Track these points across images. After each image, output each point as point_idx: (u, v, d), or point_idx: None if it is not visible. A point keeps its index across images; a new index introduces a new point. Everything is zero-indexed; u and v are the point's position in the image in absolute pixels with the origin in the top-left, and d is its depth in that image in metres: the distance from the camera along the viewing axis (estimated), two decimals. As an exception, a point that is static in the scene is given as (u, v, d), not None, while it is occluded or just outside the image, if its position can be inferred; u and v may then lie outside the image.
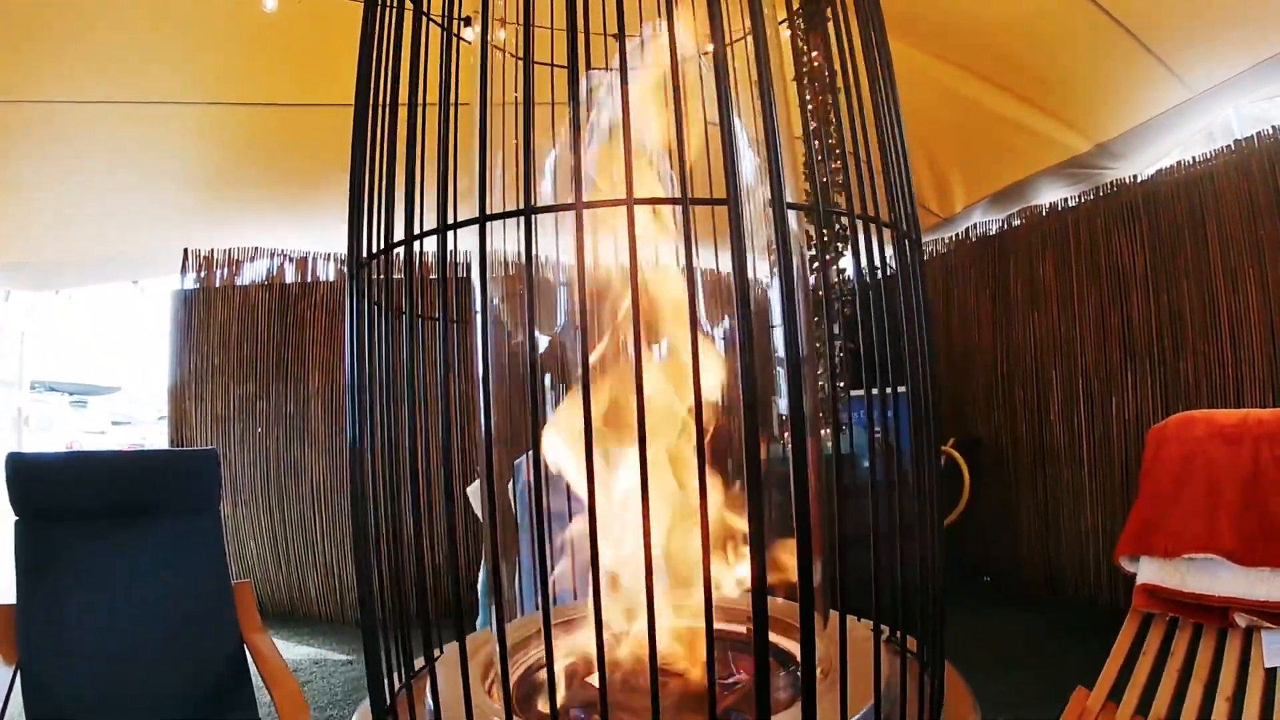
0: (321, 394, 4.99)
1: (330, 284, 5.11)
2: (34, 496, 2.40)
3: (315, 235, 5.17)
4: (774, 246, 0.66)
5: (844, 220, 0.85)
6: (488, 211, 0.70)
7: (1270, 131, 3.61)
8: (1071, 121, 4.23)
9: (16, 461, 2.42)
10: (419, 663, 1.01)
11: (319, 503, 4.96)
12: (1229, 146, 3.80)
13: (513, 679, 1.01)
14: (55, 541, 2.37)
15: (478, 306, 1.00)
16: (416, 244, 0.79)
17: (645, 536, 0.64)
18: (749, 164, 1.04)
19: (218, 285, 5.14)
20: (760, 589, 0.64)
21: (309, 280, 5.17)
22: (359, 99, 0.88)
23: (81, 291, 6.46)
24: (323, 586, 4.97)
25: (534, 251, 0.68)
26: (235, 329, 5.07)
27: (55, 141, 3.94)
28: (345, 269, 0.90)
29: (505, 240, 0.99)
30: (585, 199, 0.67)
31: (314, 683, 3.72)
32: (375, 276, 0.87)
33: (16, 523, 2.36)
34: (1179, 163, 4.04)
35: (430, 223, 0.78)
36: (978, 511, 5.01)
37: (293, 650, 4.26)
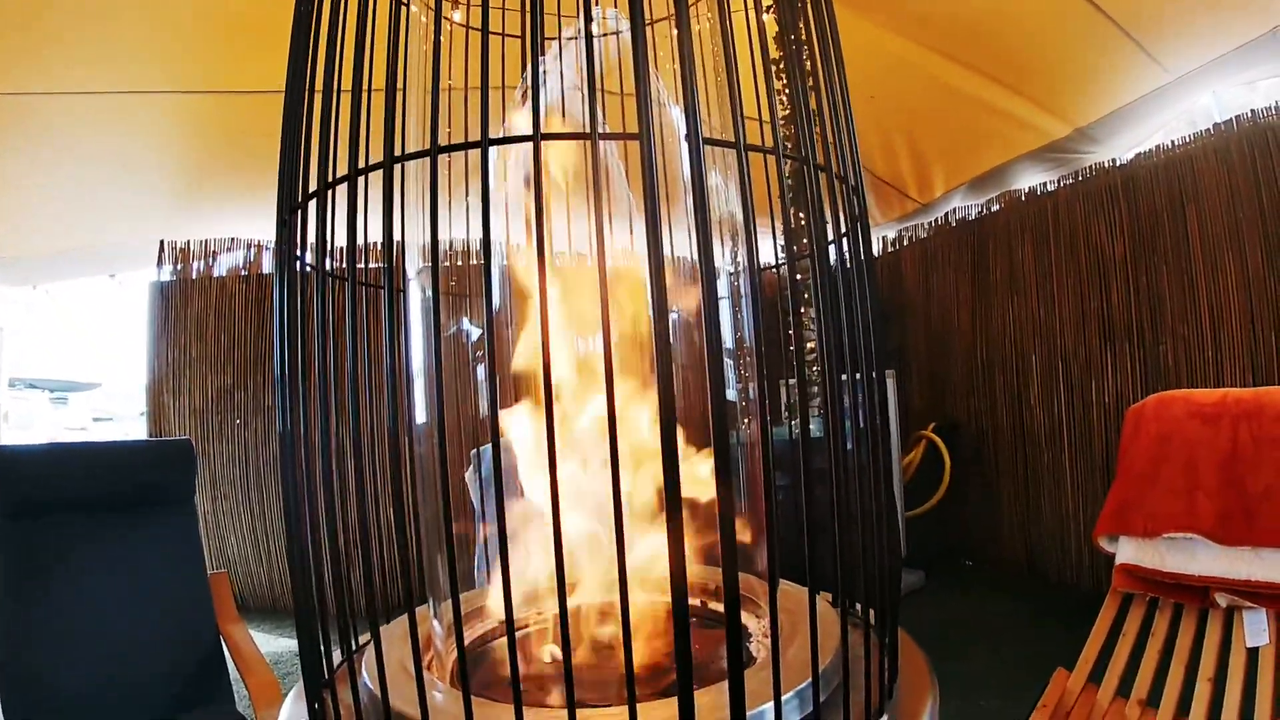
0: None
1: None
2: (6, 489, 2.36)
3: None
4: (691, 187, 0.64)
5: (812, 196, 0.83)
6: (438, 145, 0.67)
7: (1250, 115, 3.62)
8: (1050, 106, 4.22)
9: (-9, 454, 2.39)
10: (360, 640, 1.00)
11: (299, 495, 4.92)
12: (1208, 131, 3.80)
13: (450, 657, 1.00)
14: (31, 533, 2.34)
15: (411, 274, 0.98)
16: (357, 187, 0.76)
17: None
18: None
19: (194, 277, 5.09)
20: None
21: (287, 270, 5.11)
22: (296, 31, 0.85)
23: (60, 286, 6.39)
24: (304, 579, 4.93)
25: (487, 177, 0.65)
26: (212, 320, 5.02)
27: (28, 134, 3.88)
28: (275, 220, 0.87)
29: (450, 229, 0.95)
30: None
31: (294, 675, 3.69)
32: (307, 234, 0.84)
33: (-8, 515, 2.34)
34: (1158, 147, 4.05)
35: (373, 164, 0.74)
36: (958, 495, 5.03)
37: (273, 643, 4.23)
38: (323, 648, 0.84)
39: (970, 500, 5.10)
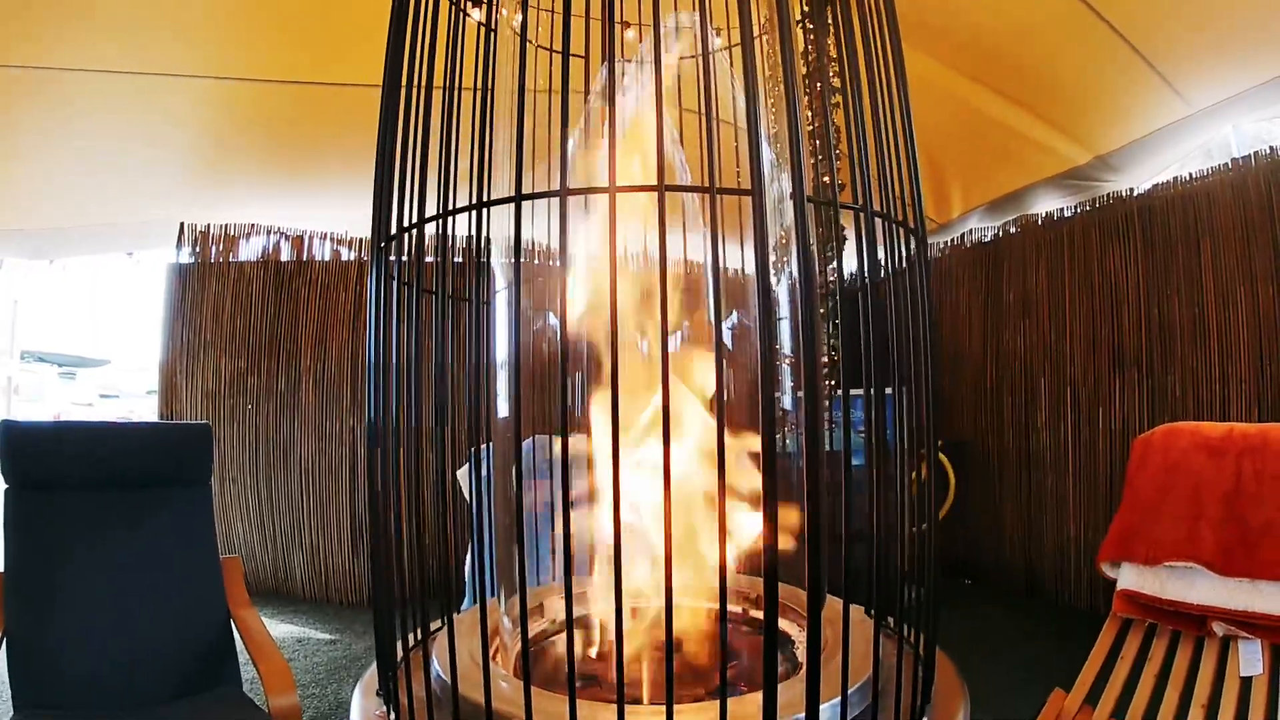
0: (313, 372, 4.98)
1: (325, 264, 5.11)
2: (26, 464, 2.39)
3: (313, 214, 5.16)
4: (789, 240, 0.68)
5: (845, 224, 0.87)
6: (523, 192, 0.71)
7: (1268, 151, 3.64)
8: (1071, 132, 4.25)
9: (10, 429, 2.40)
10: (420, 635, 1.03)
11: (307, 483, 4.96)
12: (1226, 165, 3.83)
13: (514, 650, 1.03)
14: (46, 510, 2.36)
15: (498, 288, 1.02)
16: (448, 222, 0.81)
17: (666, 504, 0.65)
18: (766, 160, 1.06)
19: (213, 260, 5.12)
20: (771, 569, 0.66)
21: (305, 259, 5.16)
22: (388, 75, 0.89)
23: (76, 262, 6.42)
24: (308, 566, 4.97)
25: (568, 230, 0.69)
26: (229, 305, 5.06)
27: (57, 108, 3.91)
28: (370, 244, 0.91)
29: (534, 228, 1.00)
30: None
31: (296, 661, 3.73)
32: (400, 256, 0.89)
33: (7, 490, 2.36)
34: (1176, 178, 4.07)
35: (460, 206, 0.79)
36: (962, 514, 5.05)
37: (276, 629, 4.26)
38: (397, 635, 0.88)
39: (973, 519, 5.12)
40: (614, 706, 0.69)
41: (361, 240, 5.26)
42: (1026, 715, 2.01)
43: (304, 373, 4.99)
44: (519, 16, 1.08)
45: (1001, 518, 4.98)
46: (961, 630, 4.16)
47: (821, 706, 0.74)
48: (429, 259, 0.86)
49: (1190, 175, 3.99)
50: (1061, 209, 4.73)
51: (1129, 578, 2.04)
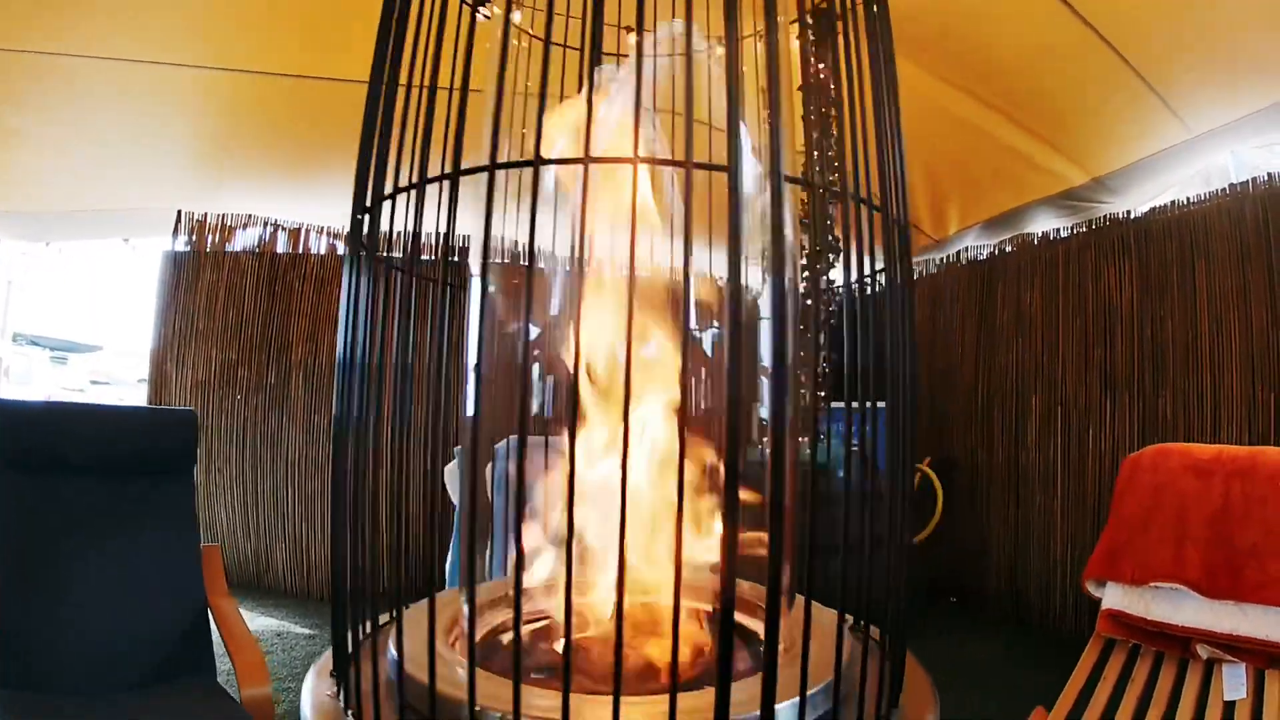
0: (304, 366, 4.97)
1: (321, 257, 5.10)
2: (11, 443, 2.37)
3: (310, 207, 5.15)
4: (768, 222, 0.67)
5: (836, 234, 0.87)
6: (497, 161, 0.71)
7: (1266, 178, 3.65)
8: (1070, 153, 4.26)
9: (-3, 406, 2.40)
10: (383, 619, 1.03)
11: (292, 476, 4.94)
12: (1223, 190, 3.84)
13: (476, 637, 1.03)
14: (28, 490, 2.34)
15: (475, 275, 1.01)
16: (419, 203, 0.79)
17: (621, 490, 0.65)
18: (750, 168, 1.05)
19: (208, 249, 5.11)
20: (730, 562, 0.65)
21: (300, 251, 5.16)
22: (378, 47, 0.89)
23: (72, 246, 6.41)
24: (290, 559, 4.95)
25: (536, 199, 0.68)
26: (222, 294, 5.04)
27: (61, 93, 3.90)
28: (349, 218, 0.90)
29: (504, 225, 0.99)
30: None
31: (275, 654, 3.71)
32: (377, 231, 0.87)
33: (-11, 469, 2.35)
34: (1173, 202, 4.08)
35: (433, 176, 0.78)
36: (949, 531, 5.04)
37: (256, 621, 4.24)
38: (350, 623, 0.87)
39: (960, 537, 5.11)
40: (560, 693, 0.68)
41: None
42: (1007, 733, 2.01)
43: (294, 366, 4.98)
44: (517, 15, 1.08)
45: (989, 536, 4.97)
46: (945, 648, 4.16)
47: (780, 705, 0.74)
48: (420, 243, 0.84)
49: (1188, 199, 4.00)
50: (1058, 229, 4.73)
51: (1114, 597, 2.03)
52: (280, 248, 5.17)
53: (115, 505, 2.44)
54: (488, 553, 1.24)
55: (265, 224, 5.20)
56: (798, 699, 0.78)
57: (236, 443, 4.98)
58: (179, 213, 5.11)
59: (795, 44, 1.21)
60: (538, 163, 0.69)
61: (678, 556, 0.69)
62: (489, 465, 1.26)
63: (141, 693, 2.18)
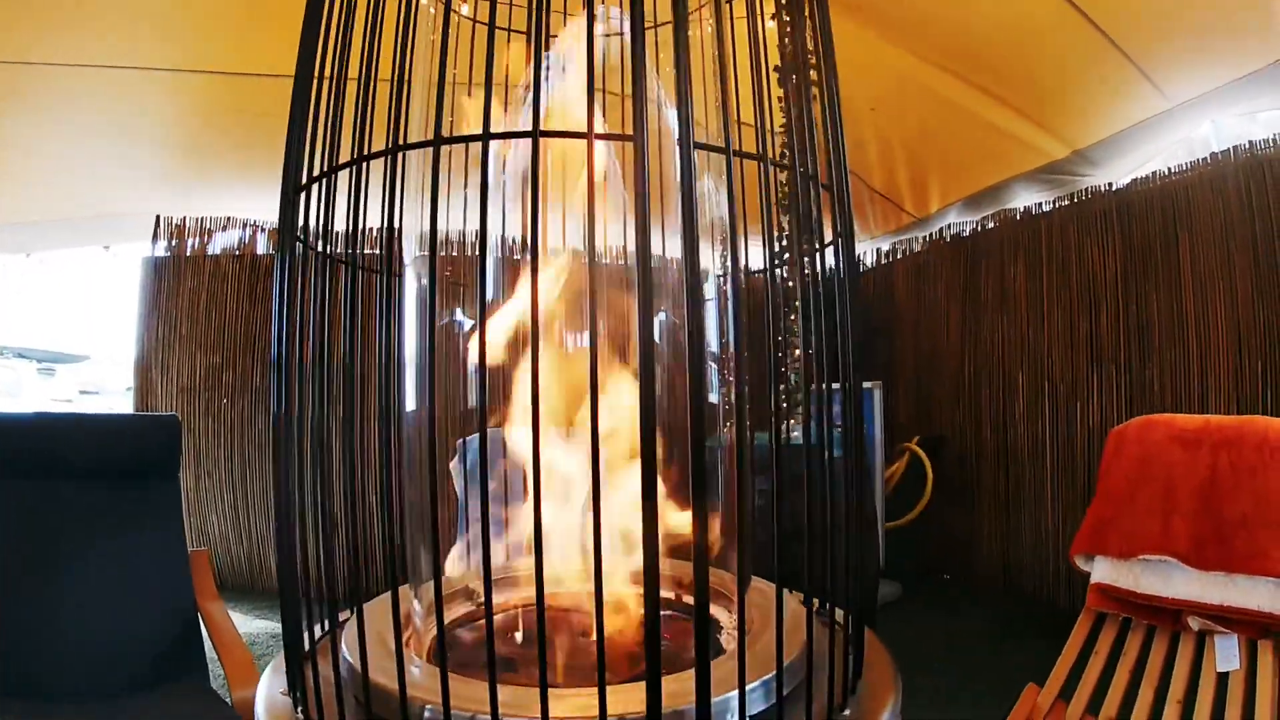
0: (289, 368, 4.94)
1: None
2: (-1, 454, 2.37)
3: (288, 207, 5.12)
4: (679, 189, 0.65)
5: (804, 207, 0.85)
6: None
7: (1247, 147, 3.64)
8: (1050, 127, 4.24)
9: (-25, 420, 2.39)
10: (342, 616, 1.01)
11: (283, 477, 4.92)
12: (1205, 160, 3.83)
13: (429, 635, 1.02)
14: (15, 499, 2.34)
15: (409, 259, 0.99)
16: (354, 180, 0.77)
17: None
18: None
19: (188, 254, 5.08)
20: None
21: (280, 252, 5.12)
22: (308, 17, 0.86)
23: (53, 255, 6.36)
24: (283, 562, 4.93)
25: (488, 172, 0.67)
26: (204, 298, 5.02)
27: (32, 102, 3.87)
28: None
29: (448, 219, 0.97)
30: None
31: (269, 656, 3.69)
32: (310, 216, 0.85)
33: (-25, 481, 2.34)
34: (1154, 173, 4.08)
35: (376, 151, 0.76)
36: (939, 510, 5.05)
37: (251, 624, 4.23)
38: (304, 621, 0.86)
39: (951, 515, 5.12)
40: (534, 690, 0.67)
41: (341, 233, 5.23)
42: (1001, 710, 2.00)
43: (280, 368, 4.95)
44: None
45: (980, 513, 4.98)
46: (938, 625, 4.17)
47: (725, 697, 0.73)
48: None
49: (1169, 170, 4.00)
50: (1040, 204, 4.73)
51: (1103, 571, 2.02)
52: (261, 249, 5.14)
53: (101, 513, 2.44)
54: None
55: (245, 225, 5.17)
56: (771, 676, 0.78)
57: (224, 446, 4.96)
58: (157, 218, 5.08)
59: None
60: (486, 137, 0.67)
61: (597, 542, 0.67)
62: (454, 458, 1.25)
63: (135, 696, 2.18)
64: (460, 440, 1.18)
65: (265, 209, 5.13)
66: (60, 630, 2.23)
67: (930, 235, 5.54)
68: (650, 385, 0.62)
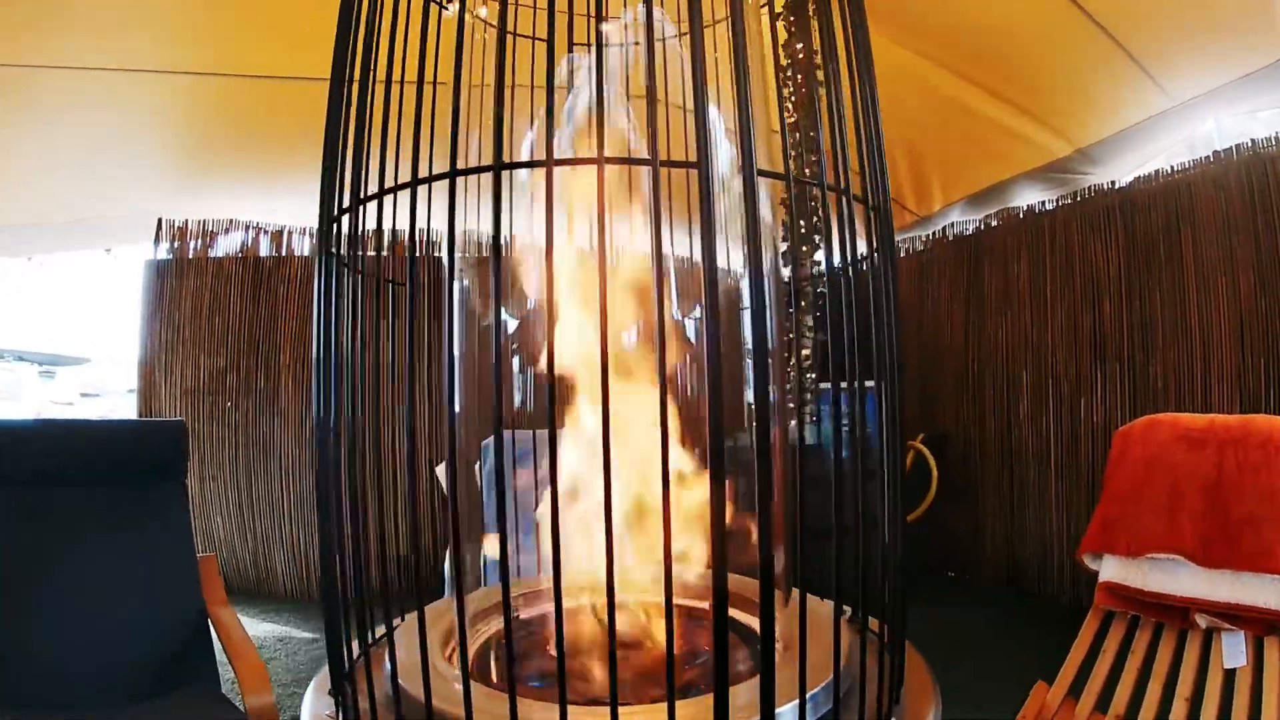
0: (292, 369, 4.94)
1: (304, 258, 5.07)
2: (2, 461, 2.37)
3: (291, 209, 5.12)
4: (744, 215, 0.65)
5: (820, 213, 0.85)
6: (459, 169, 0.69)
7: (1250, 145, 3.65)
8: (1053, 125, 4.25)
9: (-21, 426, 2.39)
10: (379, 631, 1.01)
11: (287, 480, 4.92)
12: (1207, 158, 3.84)
13: (472, 648, 1.01)
14: (20, 506, 2.34)
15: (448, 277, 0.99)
16: (388, 206, 0.78)
17: (606, 490, 0.64)
18: (725, 153, 1.04)
19: (191, 256, 5.07)
20: (720, 561, 0.64)
21: (283, 254, 5.13)
22: (337, 50, 0.87)
23: (54, 258, 6.35)
24: (289, 564, 4.94)
25: (502, 210, 0.67)
26: (207, 301, 5.01)
27: (33, 105, 3.86)
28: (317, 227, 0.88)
29: (479, 219, 0.98)
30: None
31: (278, 660, 3.70)
32: (346, 234, 0.86)
33: (-21, 487, 2.34)
34: (1157, 171, 4.08)
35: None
36: (944, 507, 5.05)
37: (258, 627, 4.23)
38: (344, 637, 0.86)
39: (956, 513, 5.12)
40: (556, 707, 0.67)
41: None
42: (1009, 708, 2.01)
43: (283, 369, 4.95)
44: (483, 10, 1.06)
45: (984, 511, 4.99)
46: (944, 623, 4.17)
47: (781, 710, 0.73)
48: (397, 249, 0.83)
49: (1172, 168, 4.00)
50: (1043, 202, 4.73)
51: (1111, 569, 2.03)
52: (264, 251, 5.14)
53: (108, 519, 2.44)
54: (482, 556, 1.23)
55: (247, 228, 5.16)
56: (797, 702, 0.77)
57: (229, 449, 4.96)
58: (159, 220, 5.07)
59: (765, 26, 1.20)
60: (498, 168, 0.67)
61: (667, 554, 0.68)
62: (477, 463, 1.25)
63: (147, 704, 2.17)
64: (483, 442, 1.17)
65: (267, 211, 5.13)
66: (70, 638, 2.23)
67: (933, 234, 5.54)
68: (719, 407, 0.62)
